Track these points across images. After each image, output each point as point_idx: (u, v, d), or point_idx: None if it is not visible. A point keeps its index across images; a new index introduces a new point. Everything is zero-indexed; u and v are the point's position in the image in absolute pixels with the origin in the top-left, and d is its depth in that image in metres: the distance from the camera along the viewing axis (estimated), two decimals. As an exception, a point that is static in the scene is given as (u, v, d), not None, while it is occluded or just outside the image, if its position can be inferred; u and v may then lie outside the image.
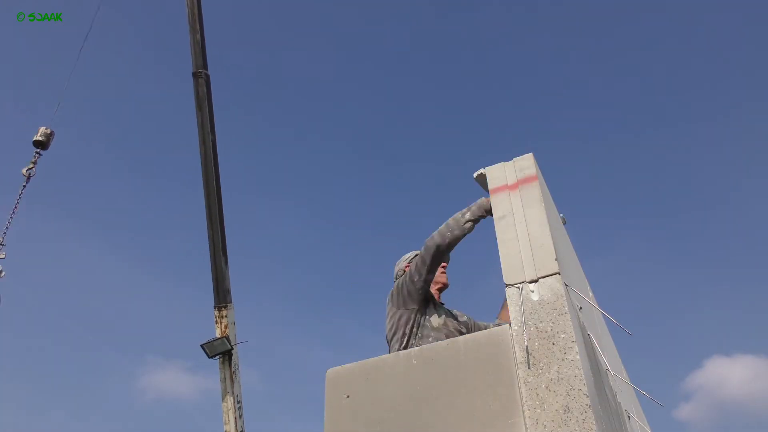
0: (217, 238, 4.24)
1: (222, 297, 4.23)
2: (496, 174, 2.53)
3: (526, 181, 2.43)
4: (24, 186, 4.33)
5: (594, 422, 1.76)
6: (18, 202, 4.18)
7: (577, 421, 1.79)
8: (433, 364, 2.15)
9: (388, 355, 2.31)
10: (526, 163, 2.49)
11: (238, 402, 4.01)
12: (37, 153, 4.47)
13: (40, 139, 4.60)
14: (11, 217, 4.11)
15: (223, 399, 3.89)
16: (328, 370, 2.37)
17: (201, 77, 4.41)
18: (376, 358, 2.29)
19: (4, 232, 3.92)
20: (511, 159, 2.55)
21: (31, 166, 4.49)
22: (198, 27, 4.57)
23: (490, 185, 2.50)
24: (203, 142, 4.41)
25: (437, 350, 2.19)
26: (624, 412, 2.80)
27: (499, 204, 2.42)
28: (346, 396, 2.24)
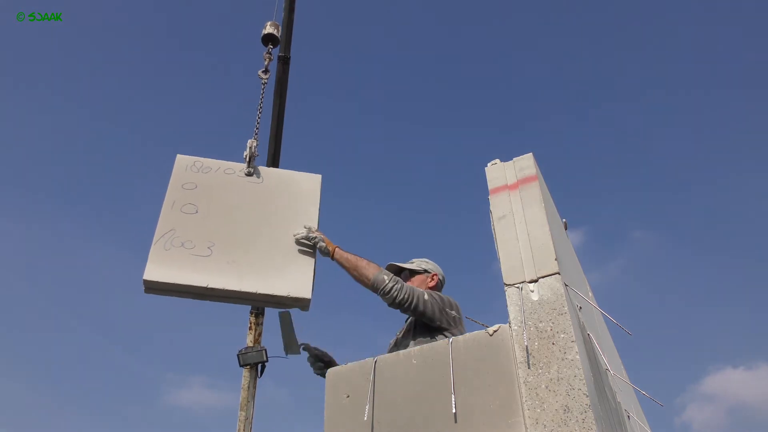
0: None
1: None
2: (496, 174, 2.53)
3: (526, 181, 2.43)
4: (263, 88, 3.71)
5: (594, 422, 1.77)
6: (261, 106, 3.56)
7: (577, 421, 1.79)
8: (433, 364, 2.15)
9: (388, 354, 2.31)
10: (526, 163, 2.49)
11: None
12: (269, 52, 3.84)
13: (270, 32, 3.93)
14: (258, 121, 3.45)
15: (241, 408, 3.72)
16: (329, 370, 2.37)
17: (288, 63, 4.07)
18: (376, 357, 2.29)
19: (255, 133, 3.30)
20: (511, 159, 2.55)
21: (267, 61, 3.82)
22: (294, 5, 4.18)
23: (490, 185, 2.50)
24: (275, 135, 4.10)
25: (437, 350, 2.19)
26: (624, 412, 2.81)
27: (499, 204, 2.43)
28: (346, 396, 2.24)
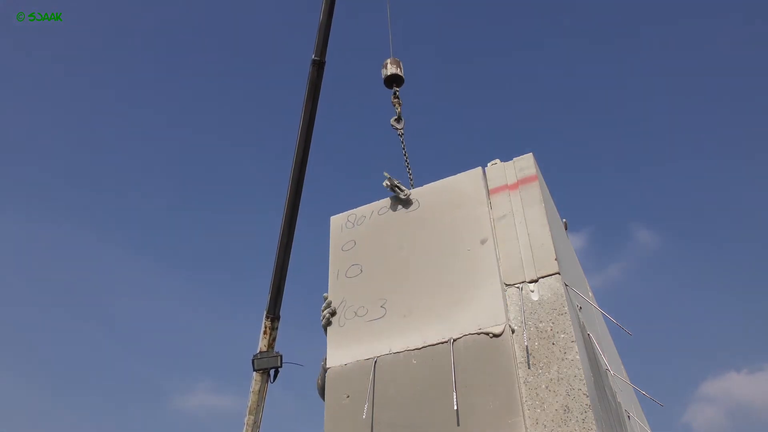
0: (290, 240, 3.99)
1: (279, 307, 4.00)
2: (496, 174, 2.53)
3: (526, 181, 2.43)
4: (402, 138, 3.38)
5: (594, 422, 1.77)
6: (406, 155, 3.26)
7: (577, 421, 1.79)
8: (433, 364, 2.14)
9: (388, 354, 2.31)
10: (525, 163, 2.49)
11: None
12: (396, 96, 3.51)
13: (393, 72, 3.57)
14: (409, 168, 3.19)
15: (249, 412, 3.69)
16: (329, 370, 2.37)
17: (322, 67, 4.02)
18: (376, 357, 2.29)
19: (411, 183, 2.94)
20: (511, 159, 2.55)
21: (398, 108, 3.45)
22: (333, 8, 4.08)
23: (490, 185, 2.50)
24: (305, 137, 3.99)
25: (437, 350, 2.18)
26: (624, 412, 2.81)
27: (499, 204, 2.42)
28: (346, 396, 2.24)
